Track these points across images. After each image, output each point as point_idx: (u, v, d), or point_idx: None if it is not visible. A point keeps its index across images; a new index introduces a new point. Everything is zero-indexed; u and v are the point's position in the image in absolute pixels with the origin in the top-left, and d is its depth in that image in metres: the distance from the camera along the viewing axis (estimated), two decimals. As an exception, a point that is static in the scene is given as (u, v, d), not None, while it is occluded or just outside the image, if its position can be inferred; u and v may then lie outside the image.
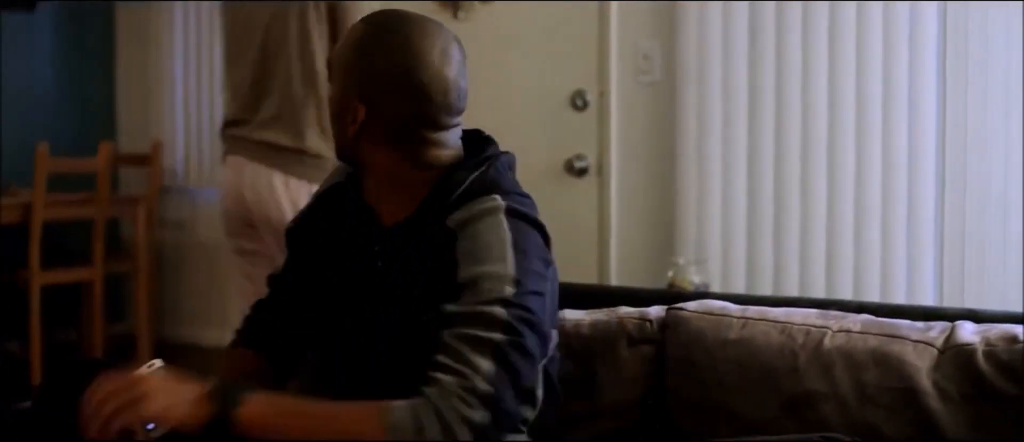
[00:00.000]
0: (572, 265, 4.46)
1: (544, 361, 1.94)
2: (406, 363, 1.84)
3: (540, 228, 1.93)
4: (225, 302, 5.92)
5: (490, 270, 1.81)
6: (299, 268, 2.12)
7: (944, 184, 3.80)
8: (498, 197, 1.90)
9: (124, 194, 6.20)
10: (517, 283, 1.81)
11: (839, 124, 3.92)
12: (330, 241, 2.07)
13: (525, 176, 2.10)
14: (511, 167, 2.02)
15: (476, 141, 2.03)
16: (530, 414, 1.97)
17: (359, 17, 2.10)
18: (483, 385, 1.73)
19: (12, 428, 2.18)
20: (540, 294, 1.85)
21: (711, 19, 4.09)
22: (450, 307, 1.80)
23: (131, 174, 6.32)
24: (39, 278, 5.30)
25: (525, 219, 1.90)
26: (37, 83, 6.12)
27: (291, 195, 3.61)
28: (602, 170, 4.43)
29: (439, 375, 1.75)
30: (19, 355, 5.47)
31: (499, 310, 1.78)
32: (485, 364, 1.75)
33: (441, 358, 1.76)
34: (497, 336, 1.76)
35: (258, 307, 2.17)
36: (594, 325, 2.28)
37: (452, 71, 1.93)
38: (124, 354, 5.73)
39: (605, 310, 2.33)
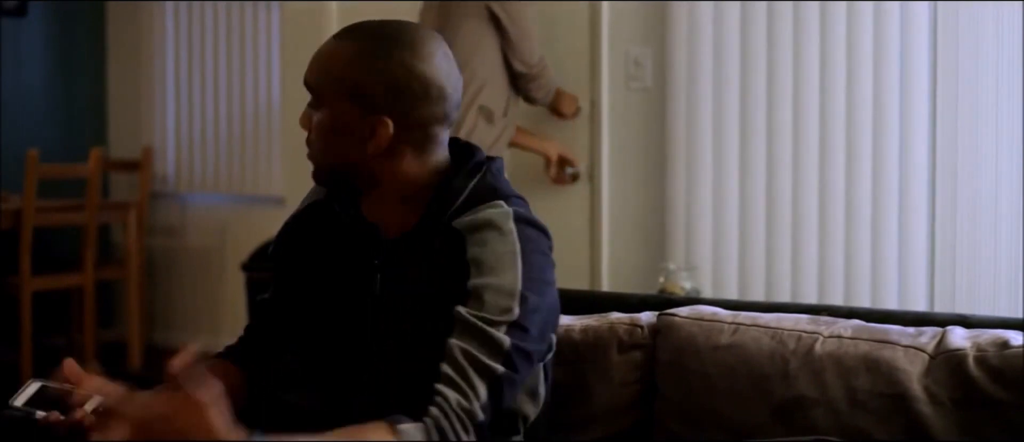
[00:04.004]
0: (563, 271, 4.48)
1: (547, 356, 2.01)
2: (417, 369, 1.85)
3: (544, 231, 1.95)
4: (216, 307, 5.92)
5: (499, 282, 1.83)
6: (287, 292, 2.09)
7: (935, 189, 3.81)
8: (502, 203, 1.91)
9: (115, 200, 6.19)
10: (524, 300, 1.83)
11: (830, 129, 3.93)
12: (319, 261, 2.04)
13: (516, 183, 2.10)
14: (501, 171, 2.03)
15: (461, 147, 2.03)
16: (532, 411, 2.02)
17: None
18: (479, 413, 1.78)
19: (2, 434, 2.17)
20: (539, 310, 1.88)
21: (702, 26, 4.10)
22: (460, 311, 1.82)
23: (122, 180, 6.31)
24: (30, 284, 5.29)
25: (531, 224, 1.92)
26: (27, 89, 6.11)
27: None
28: (594, 176, 4.43)
29: (444, 389, 1.78)
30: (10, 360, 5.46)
31: (504, 337, 1.81)
32: (483, 391, 1.78)
33: (446, 369, 1.79)
34: (499, 368, 1.80)
35: (250, 330, 2.16)
36: (585, 331, 2.28)
37: (455, 67, 1.96)
38: (115, 360, 5.72)
39: (596, 316, 2.33)
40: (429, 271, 1.91)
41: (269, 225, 5.29)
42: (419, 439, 1.74)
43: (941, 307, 3.77)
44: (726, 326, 2.19)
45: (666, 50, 4.21)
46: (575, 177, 4.37)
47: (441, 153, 1.97)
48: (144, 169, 5.93)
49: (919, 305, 3.80)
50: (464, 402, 1.77)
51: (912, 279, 3.84)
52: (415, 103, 1.90)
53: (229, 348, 2.16)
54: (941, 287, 3.82)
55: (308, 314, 2.05)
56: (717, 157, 4.10)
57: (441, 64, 1.91)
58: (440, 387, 1.78)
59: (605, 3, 4.37)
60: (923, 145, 3.82)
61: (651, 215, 4.32)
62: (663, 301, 2.44)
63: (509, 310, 1.82)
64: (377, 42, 1.91)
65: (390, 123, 1.90)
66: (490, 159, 2.02)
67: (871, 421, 2.02)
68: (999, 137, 3.71)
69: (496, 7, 3.91)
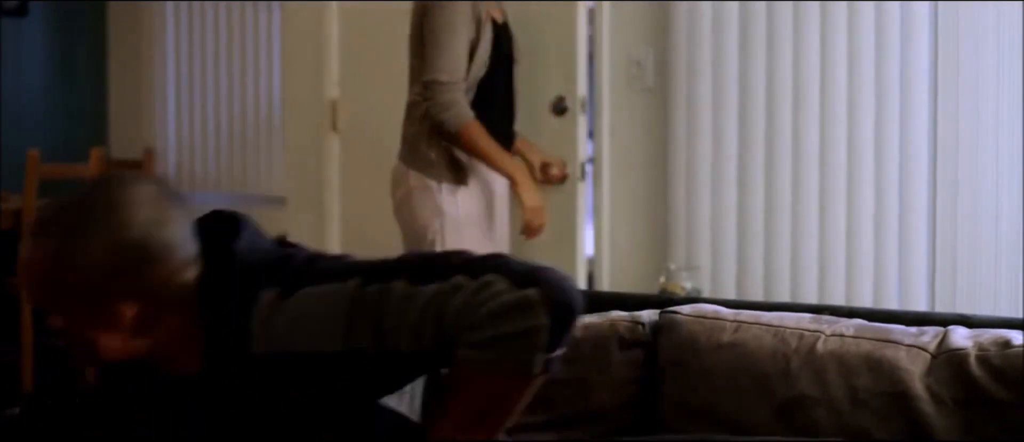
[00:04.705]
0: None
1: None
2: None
3: (309, 262, 1.77)
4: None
5: (330, 311, 1.67)
6: None
7: (936, 189, 3.81)
8: (262, 293, 1.70)
9: (116, 200, 6.18)
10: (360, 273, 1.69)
11: (831, 130, 3.92)
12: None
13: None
14: (243, 229, 1.80)
15: (205, 232, 1.80)
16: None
17: None
18: (470, 281, 1.64)
19: (1, 435, 2.17)
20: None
21: (703, 26, 4.10)
22: (384, 344, 1.65)
23: (123, 180, 6.31)
24: (30, 284, 5.28)
25: (295, 283, 1.72)
26: (28, 89, 6.11)
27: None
28: (596, 176, 4.43)
29: (455, 312, 1.64)
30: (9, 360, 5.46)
31: (398, 282, 1.66)
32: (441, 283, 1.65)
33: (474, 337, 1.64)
34: (419, 288, 1.65)
35: None
36: (586, 328, 2.27)
37: (167, 205, 1.76)
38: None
39: (597, 314, 2.33)
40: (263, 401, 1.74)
41: (270, 225, 5.27)
42: (484, 357, 1.64)
43: (942, 308, 3.77)
44: (728, 324, 2.19)
45: (667, 51, 4.21)
46: (564, 178, 4.26)
47: (192, 277, 1.74)
48: (145, 169, 5.93)
49: (920, 305, 3.79)
50: (470, 297, 1.63)
51: (913, 279, 3.83)
52: (141, 274, 1.71)
53: None
54: (941, 287, 3.81)
55: None
56: (718, 157, 4.10)
57: (146, 218, 1.71)
58: (451, 322, 1.64)
59: (606, 3, 4.37)
60: (924, 145, 3.81)
61: (652, 215, 4.31)
62: (664, 301, 2.43)
63: (360, 290, 1.67)
64: (71, 230, 1.71)
65: (131, 307, 1.72)
66: (235, 230, 1.79)
67: (873, 420, 2.02)
68: (1000, 137, 3.70)
69: (425, 6, 3.70)
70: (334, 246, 4.80)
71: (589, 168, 4.48)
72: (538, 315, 1.62)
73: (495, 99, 3.85)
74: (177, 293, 1.73)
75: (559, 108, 4.41)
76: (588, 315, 2.32)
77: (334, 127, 4.97)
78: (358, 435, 1.77)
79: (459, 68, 3.68)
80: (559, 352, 1.67)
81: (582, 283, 4.39)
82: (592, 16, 4.43)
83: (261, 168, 5.87)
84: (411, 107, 3.82)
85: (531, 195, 3.79)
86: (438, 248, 3.65)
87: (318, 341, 1.68)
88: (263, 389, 1.72)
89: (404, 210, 3.80)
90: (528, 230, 3.80)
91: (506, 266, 1.66)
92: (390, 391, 1.80)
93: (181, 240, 1.74)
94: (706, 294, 3.98)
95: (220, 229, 1.79)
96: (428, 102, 3.67)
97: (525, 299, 1.62)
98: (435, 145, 3.74)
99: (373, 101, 4.82)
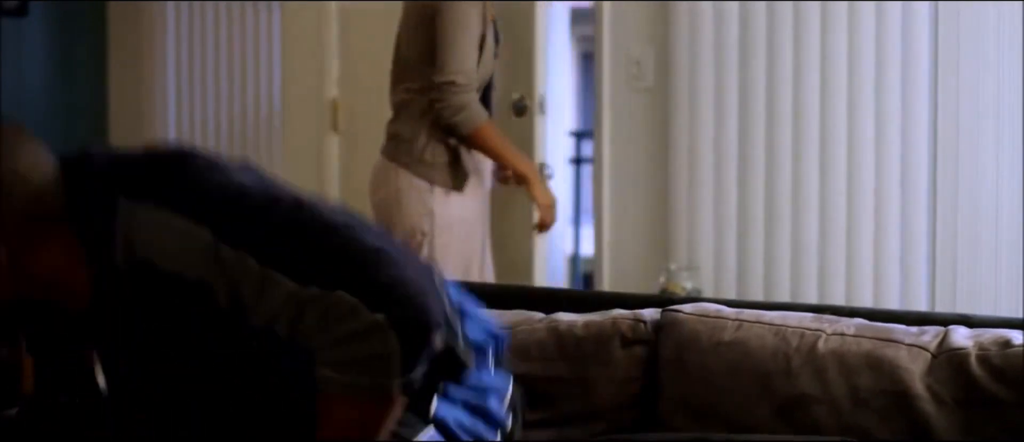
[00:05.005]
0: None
1: None
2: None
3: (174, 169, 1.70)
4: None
5: (185, 245, 1.62)
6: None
7: (936, 189, 3.81)
8: (122, 201, 1.66)
9: (115, 200, 6.19)
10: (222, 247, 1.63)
11: (831, 130, 3.92)
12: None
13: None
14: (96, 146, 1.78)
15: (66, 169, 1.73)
16: None
17: None
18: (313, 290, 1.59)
19: (1, 435, 2.17)
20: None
21: (703, 25, 4.09)
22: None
23: (123, 180, 6.31)
24: (30, 284, 5.28)
25: (155, 189, 1.67)
26: (27, 89, 6.11)
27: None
28: (597, 176, 4.43)
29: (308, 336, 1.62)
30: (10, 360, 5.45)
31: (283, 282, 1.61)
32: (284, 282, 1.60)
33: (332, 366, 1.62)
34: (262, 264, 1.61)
35: None
36: (587, 325, 2.28)
37: (17, 140, 1.73)
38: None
39: (599, 312, 2.33)
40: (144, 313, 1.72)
41: (270, 225, 5.29)
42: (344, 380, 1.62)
43: (942, 307, 3.77)
44: (729, 323, 2.19)
45: (667, 50, 4.21)
46: (505, 180, 4.18)
47: (59, 202, 1.69)
48: (145, 169, 5.93)
49: (920, 305, 3.79)
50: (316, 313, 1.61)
51: (913, 279, 3.83)
52: (8, 213, 1.66)
53: None
54: (942, 288, 3.81)
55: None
56: (719, 157, 4.10)
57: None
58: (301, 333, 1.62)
59: (606, 3, 4.37)
60: (924, 145, 3.81)
61: (652, 216, 4.31)
62: (664, 301, 2.44)
63: (216, 250, 1.62)
64: None
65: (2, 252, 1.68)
66: (83, 160, 1.73)
67: (873, 419, 2.03)
68: (1000, 137, 3.71)
69: (436, 6, 3.64)
70: (334, 246, 4.80)
71: (550, 170, 4.43)
72: (387, 341, 1.60)
73: (490, 97, 3.87)
74: (45, 220, 1.68)
75: (519, 108, 4.40)
76: (589, 314, 2.33)
77: (334, 127, 4.97)
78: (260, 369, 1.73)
79: (473, 69, 3.66)
80: (419, 372, 1.65)
81: (544, 281, 4.38)
82: (592, 15, 4.44)
83: (261, 168, 5.87)
84: (405, 105, 3.77)
85: (544, 193, 3.89)
86: (426, 251, 3.65)
87: (176, 263, 1.63)
88: (136, 302, 1.68)
89: (390, 209, 3.74)
90: (543, 226, 3.93)
91: (363, 281, 1.62)
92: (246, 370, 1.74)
93: (32, 166, 1.68)
94: (708, 294, 3.98)
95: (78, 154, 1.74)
96: (440, 104, 3.63)
97: (374, 324, 1.59)
98: (436, 146, 3.70)
99: (373, 101, 4.81)
